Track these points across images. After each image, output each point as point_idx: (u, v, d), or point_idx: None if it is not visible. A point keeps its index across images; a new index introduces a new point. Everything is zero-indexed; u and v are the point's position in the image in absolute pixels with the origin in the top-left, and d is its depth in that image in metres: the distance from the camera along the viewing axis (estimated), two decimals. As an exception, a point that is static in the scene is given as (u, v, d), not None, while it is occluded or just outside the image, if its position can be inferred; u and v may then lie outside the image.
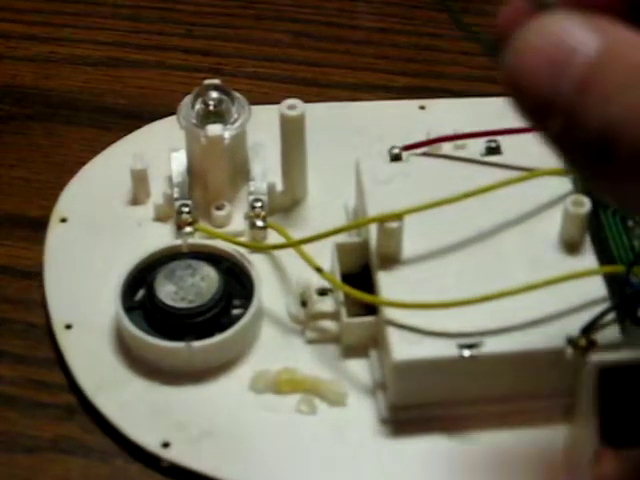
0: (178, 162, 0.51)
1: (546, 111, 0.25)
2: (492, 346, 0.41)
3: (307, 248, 0.46)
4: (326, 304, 0.46)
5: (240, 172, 0.50)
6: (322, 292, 0.46)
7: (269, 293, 0.47)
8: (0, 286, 0.49)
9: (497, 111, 0.54)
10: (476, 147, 0.49)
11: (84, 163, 0.53)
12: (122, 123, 0.56)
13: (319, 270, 0.45)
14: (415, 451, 0.42)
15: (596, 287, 0.43)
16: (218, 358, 0.45)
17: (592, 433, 0.38)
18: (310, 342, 0.46)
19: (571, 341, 0.40)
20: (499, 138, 0.49)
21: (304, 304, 0.46)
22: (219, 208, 0.50)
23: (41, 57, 0.60)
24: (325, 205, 0.50)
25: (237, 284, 0.47)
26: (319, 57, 0.60)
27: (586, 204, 0.44)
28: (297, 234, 0.48)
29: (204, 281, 0.45)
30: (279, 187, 0.50)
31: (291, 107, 0.48)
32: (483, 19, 0.63)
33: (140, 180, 0.51)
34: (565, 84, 0.25)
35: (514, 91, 0.25)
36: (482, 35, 0.32)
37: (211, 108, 0.49)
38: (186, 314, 0.45)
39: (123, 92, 0.58)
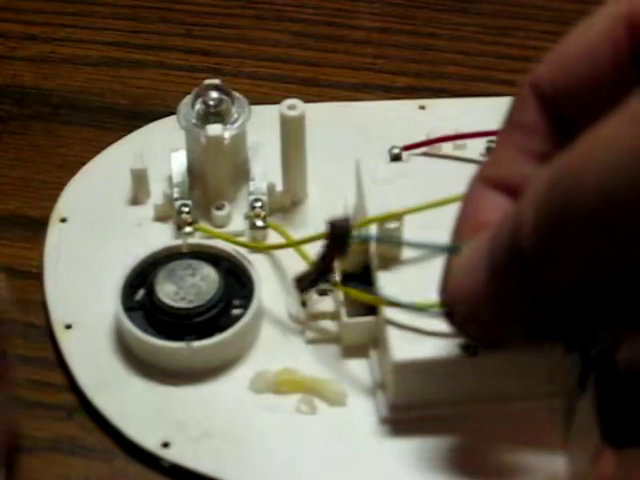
0: (178, 162, 0.51)
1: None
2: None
3: (307, 248, 0.46)
4: (326, 304, 0.46)
5: (240, 172, 0.50)
6: (322, 292, 0.46)
7: (269, 293, 0.47)
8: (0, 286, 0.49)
9: (497, 111, 0.54)
10: (476, 147, 0.49)
11: (84, 163, 0.53)
12: (122, 123, 0.56)
13: (319, 270, 0.45)
14: (414, 451, 0.42)
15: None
16: (218, 358, 0.45)
17: (593, 433, 0.38)
18: (310, 342, 0.46)
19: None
20: (499, 138, 0.49)
21: (304, 304, 0.46)
22: (219, 208, 0.50)
23: (41, 57, 0.60)
24: (325, 205, 0.50)
25: (237, 284, 0.47)
26: (319, 57, 0.60)
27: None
28: (297, 234, 0.48)
29: (204, 281, 0.45)
30: (279, 187, 0.50)
31: (291, 107, 0.48)
32: (481, 19, 0.63)
33: (140, 180, 0.51)
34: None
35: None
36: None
37: (211, 108, 0.49)
38: (186, 314, 0.45)
39: (123, 92, 0.58)
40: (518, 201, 0.31)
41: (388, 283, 0.43)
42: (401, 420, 0.43)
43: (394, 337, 0.42)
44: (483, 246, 0.33)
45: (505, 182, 0.35)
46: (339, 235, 0.40)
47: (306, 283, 0.44)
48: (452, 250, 0.36)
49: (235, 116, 0.49)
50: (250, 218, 0.49)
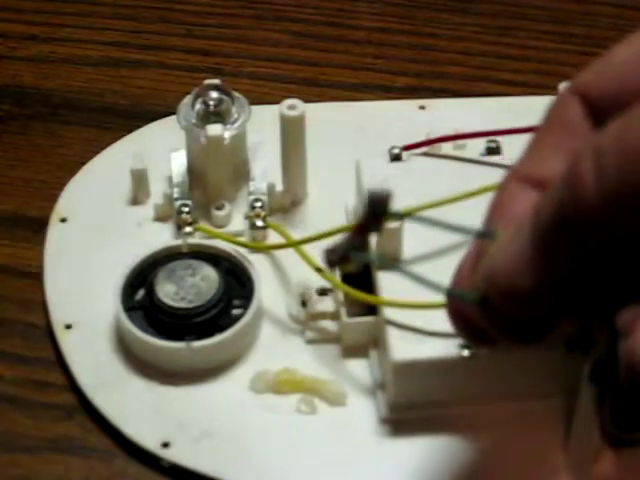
0: (178, 162, 0.51)
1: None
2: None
3: (307, 248, 0.46)
4: (326, 304, 0.46)
5: (240, 172, 0.50)
6: (322, 292, 0.46)
7: (269, 293, 0.47)
8: (0, 286, 0.49)
9: (497, 111, 0.55)
10: (476, 147, 0.49)
11: (84, 163, 0.53)
12: (122, 123, 0.56)
13: (319, 270, 0.45)
14: (414, 451, 0.42)
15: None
16: (218, 358, 0.45)
17: (593, 433, 0.38)
18: (310, 342, 0.46)
19: (569, 340, 0.40)
20: (499, 138, 0.49)
21: (304, 304, 0.46)
22: (219, 208, 0.50)
23: (41, 57, 0.60)
24: (325, 205, 0.50)
25: (237, 284, 0.47)
26: (319, 57, 0.60)
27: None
28: (297, 234, 0.48)
29: (204, 281, 0.45)
30: (279, 187, 0.50)
31: (291, 107, 0.48)
32: (481, 19, 0.63)
33: (140, 180, 0.51)
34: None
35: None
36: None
37: (211, 108, 0.49)
38: (186, 314, 0.45)
39: (123, 92, 0.58)
40: (570, 162, 0.31)
41: (388, 283, 0.43)
42: (401, 420, 0.43)
43: (394, 337, 0.42)
44: (524, 223, 0.33)
45: (540, 179, 0.36)
46: (377, 209, 0.36)
47: (336, 257, 0.39)
48: (486, 235, 0.36)
49: (235, 116, 0.49)
50: (250, 218, 0.49)
